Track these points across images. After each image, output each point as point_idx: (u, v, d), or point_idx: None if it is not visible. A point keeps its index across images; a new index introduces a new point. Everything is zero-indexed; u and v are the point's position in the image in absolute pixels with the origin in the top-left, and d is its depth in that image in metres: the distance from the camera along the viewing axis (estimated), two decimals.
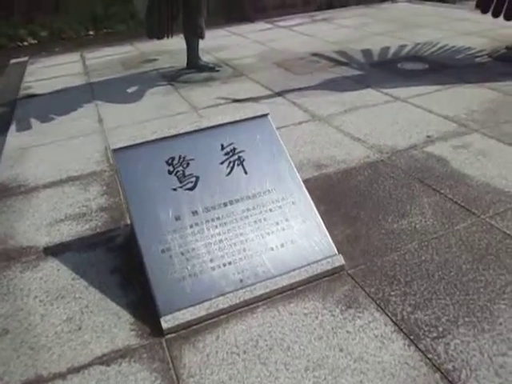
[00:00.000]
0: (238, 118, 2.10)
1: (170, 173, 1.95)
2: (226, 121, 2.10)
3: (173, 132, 2.03)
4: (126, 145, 1.98)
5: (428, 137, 3.25)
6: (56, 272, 2.18)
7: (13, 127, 4.22)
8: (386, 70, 4.90)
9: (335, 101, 4.07)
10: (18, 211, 2.78)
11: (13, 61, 7.27)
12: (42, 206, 2.81)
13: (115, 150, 1.99)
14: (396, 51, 5.62)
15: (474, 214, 2.33)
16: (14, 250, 2.39)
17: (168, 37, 4.78)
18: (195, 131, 2.04)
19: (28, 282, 2.13)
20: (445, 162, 2.88)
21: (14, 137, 3.99)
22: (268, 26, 7.83)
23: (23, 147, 3.73)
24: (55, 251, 2.34)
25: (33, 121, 4.33)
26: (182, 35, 5.05)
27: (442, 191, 2.56)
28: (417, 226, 2.28)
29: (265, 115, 2.17)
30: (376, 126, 3.51)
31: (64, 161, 3.40)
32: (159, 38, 4.69)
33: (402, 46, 5.78)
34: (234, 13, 5.25)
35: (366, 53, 5.63)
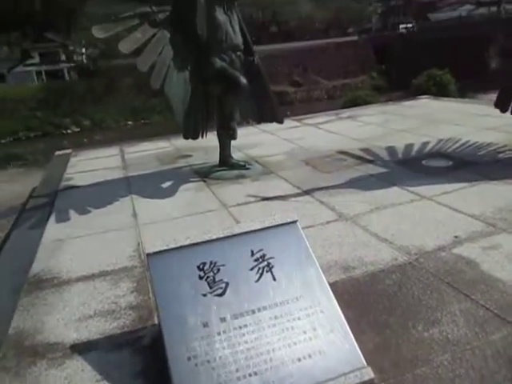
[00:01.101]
0: (267, 225, 2.19)
1: (200, 278, 2.01)
2: (256, 227, 2.18)
3: (205, 238, 2.12)
4: (159, 249, 2.08)
5: (456, 237, 3.24)
6: (80, 372, 2.18)
7: (52, 218, 4.45)
8: (411, 167, 5.03)
9: (362, 199, 4.16)
10: (49, 305, 2.85)
11: (57, 153, 7.82)
12: (72, 300, 2.88)
13: (149, 255, 2.08)
14: (420, 148, 5.79)
15: (509, 323, 2.26)
16: (41, 346, 2.42)
17: (202, 137, 5.11)
18: (226, 237, 2.13)
19: (52, 380, 2.14)
20: (474, 265, 2.84)
21: (52, 228, 4.20)
22: (296, 123, 8.28)
23: (60, 239, 3.90)
24: (81, 349, 2.36)
25: (71, 212, 4.56)
26: (215, 132, 5.36)
27: (474, 297, 2.50)
28: (449, 336, 2.21)
29: (294, 222, 2.26)
30: (402, 225, 3.54)
31: (97, 254, 3.52)
32: (194, 138, 5.02)
33: (426, 143, 5.96)
34: (266, 117, 5.60)
35: (391, 150, 5.81)
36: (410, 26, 45.83)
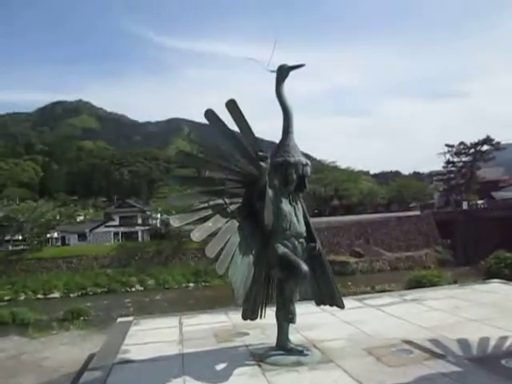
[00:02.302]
0: None
1: None
2: None
3: None
4: None
5: None
6: None
7: None
8: (488, 367, 4.56)
9: None
10: None
11: (120, 319, 7.99)
12: None
13: None
14: (497, 344, 5.30)
15: None
16: None
17: (261, 318, 5.07)
18: None
19: None
20: None
21: None
22: (357, 303, 8.04)
23: None
24: None
25: None
26: (273, 309, 5.26)
27: None
28: None
29: None
30: None
31: None
32: (252, 319, 5.00)
33: (504, 338, 5.45)
34: (326, 300, 5.55)
35: (463, 343, 5.36)
36: (473, 203, 46.23)
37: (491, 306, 7.14)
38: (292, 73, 5.31)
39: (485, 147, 53.39)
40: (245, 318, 5.11)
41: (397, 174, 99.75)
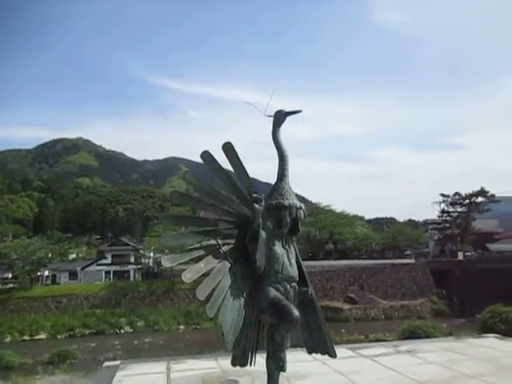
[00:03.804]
0: None
1: None
2: None
3: None
4: None
5: None
6: None
7: None
8: None
9: None
10: None
11: (106, 364, 7.70)
12: None
13: None
14: None
15: None
16: None
17: (251, 365, 4.92)
18: None
19: None
20: None
21: None
22: (350, 353, 7.83)
23: None
24: None
25: None
26: (264, 355, 5.08)
27: None
28: None
29: None
30: None
31: None
32: (242, 366, 4.85)
33: None
34: (317, 348, 5.40)
35: None
36: (468, 253, 46.16)
37: (489, 362, 6.95)
38: (291, 118, 5.44)
39: (480, 199, 53.98)
40: (234, 364, 4.96)
41: (392, 220, 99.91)
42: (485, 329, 10.77)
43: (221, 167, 4.89)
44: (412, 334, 10.67)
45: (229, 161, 4.86)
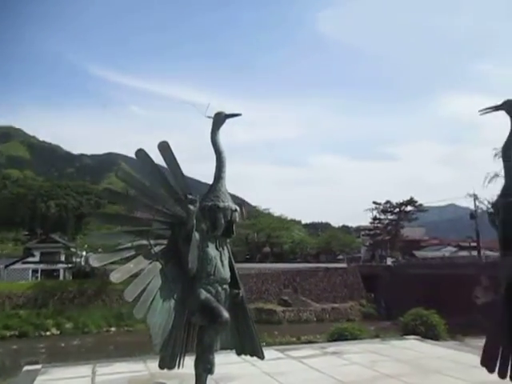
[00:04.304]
0: None
1: None
2: None
3: None
4: None
5: None
6: None
7: None
8: None
9: None
10: None
11: (26, 368, 7.29)
12: None
13: None
14: None
15: None
16: None
17: (179, 367, 4.87)
18: None
19: None
20: None
21: None
22: (279, 354, 7.98)
23: None
24: None
25: None
26: (193, 358, 5.04)
27: None
28: None
29: None
30: None
31: None
32: (170, 368, 4.80)
33: None
34: (246, 349, 5.45)
35: None
36: (391, 260, 48.67)
37: (408, 363, 7.34)
38: (231, 121, 5.47)
39: (409, 208, 57.19)
40: (162, 367, 4.90)
41: (327, 225, 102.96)
42: (407, 331, 11.37)
43: (156, 166, 4.82)
44: (340, 337, 11.05)
45: (164, 160, 4.81)
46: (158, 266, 4.60)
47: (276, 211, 65.61)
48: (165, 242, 4.81)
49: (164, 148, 4.74)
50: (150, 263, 4.54)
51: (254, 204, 74.35)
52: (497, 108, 5.25)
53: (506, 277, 4.85)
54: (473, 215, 40.81)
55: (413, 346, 8.90)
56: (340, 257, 60.20)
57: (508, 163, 5.14)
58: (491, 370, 4.98)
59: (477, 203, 38.76)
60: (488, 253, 37.90)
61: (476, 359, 7.04)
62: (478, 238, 40.73)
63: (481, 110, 5.41)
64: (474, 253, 41.97)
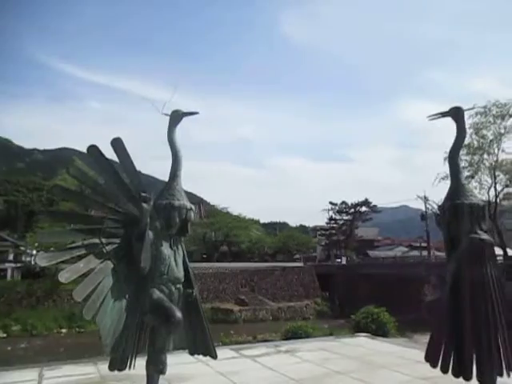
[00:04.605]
0: None
1: None
2: None
3: None
4: None
5: None
6: None
7: None
8: None
9: None
10: None
11: None
12: None
13: None
14: None
15: None
16: None
17: (130, 368, 4.79)
18: None
19: None
20: None
21: None
22: (233, 353, 8.01)
23: None
24: None
25: None
26: (145, 358, 4.97)
27: None
28: None
29: None
30: None
31: None
32: (120, 370, 4.70)
33: None
34: (199, 349, 5.41)
35: None
36: (350, 259, 49.93)
37: (357, 360, 7.57)
38: (190, 119, 5.44)
39: (363, 208, 58.84)
40: (112, 368, 4.78)
41: (285, 225, 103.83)
42: (358, 329, 11.70)
43: (109, 163, 4.71)
44: (294, 335, 11.23)
45: (118, 157, 4.71)
46: (110, 265, 4.49)
47: (234, 210, 65.56)
48: (117, 240, 4.70)
49: (117, 144, 4.64)
50: (102, 262, 4.42)
51: (212, 203, 73.95)
52: (444, 114, 5.51)
53: (450, 275, 5.10)
54: (423, 216, 42.45)
55: (363, 343, 9.17)
56: (297, 256, 60.97)
57: (454, 167, 5.40)
58: (434, 365, 5.21)
59: (427, 205, 40.35)
60: (437, 253, 39.54)
61: (421, 355, 7.35)
62: (429, 238, 42.42)
63: (429, 116, 5.65)
64: (425, 253, 43.71)
